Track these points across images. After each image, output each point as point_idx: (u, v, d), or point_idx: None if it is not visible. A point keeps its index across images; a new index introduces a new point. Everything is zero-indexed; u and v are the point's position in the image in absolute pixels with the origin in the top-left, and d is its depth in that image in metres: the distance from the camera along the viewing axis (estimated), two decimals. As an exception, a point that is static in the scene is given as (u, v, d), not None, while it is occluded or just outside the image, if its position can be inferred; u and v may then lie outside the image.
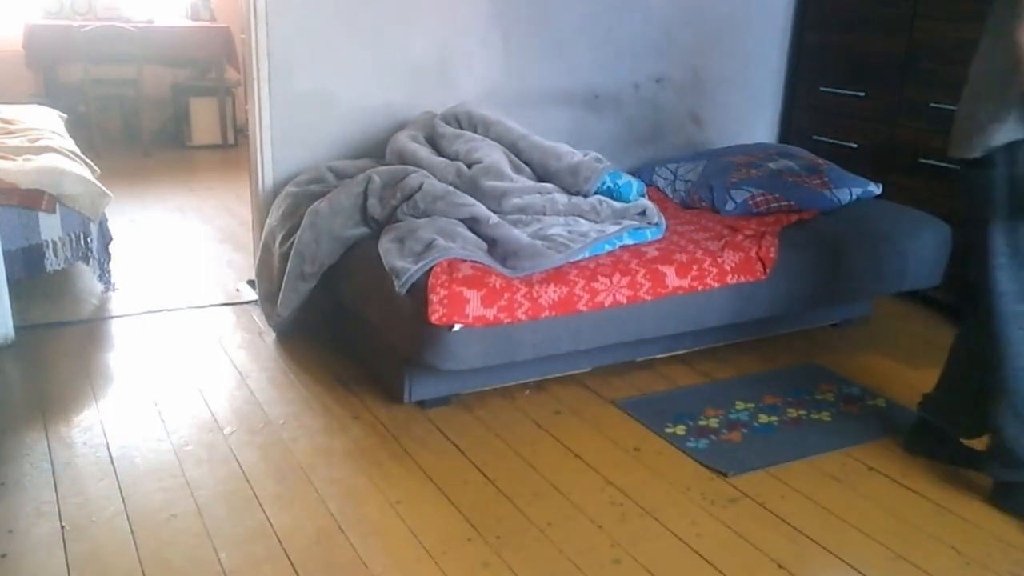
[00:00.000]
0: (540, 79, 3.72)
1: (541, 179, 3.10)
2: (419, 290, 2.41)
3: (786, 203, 3.23)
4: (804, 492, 2.32)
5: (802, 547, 2.10)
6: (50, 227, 3.16)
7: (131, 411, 2.62)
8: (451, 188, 2.86)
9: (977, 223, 2.19)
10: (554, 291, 2.52)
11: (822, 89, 4.03)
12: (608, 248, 2.73)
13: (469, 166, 3.01)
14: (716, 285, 2.79)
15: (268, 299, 3.16)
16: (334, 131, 3.38)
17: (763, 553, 2.07)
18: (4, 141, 3.65)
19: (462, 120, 3.28)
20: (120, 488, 2.22)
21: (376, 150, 3.35)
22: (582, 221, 2.87)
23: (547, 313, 2.52)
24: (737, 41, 4.09)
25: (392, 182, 2.87)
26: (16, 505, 2.14)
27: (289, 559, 1.98)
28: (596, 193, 3.01)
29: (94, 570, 1.92)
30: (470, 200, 2.80)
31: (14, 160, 3.33)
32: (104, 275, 3.47)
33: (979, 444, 2.42)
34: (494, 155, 3.06)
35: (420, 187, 2.80)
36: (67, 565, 1.93)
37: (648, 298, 2.68)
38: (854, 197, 3.38)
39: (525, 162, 3.15)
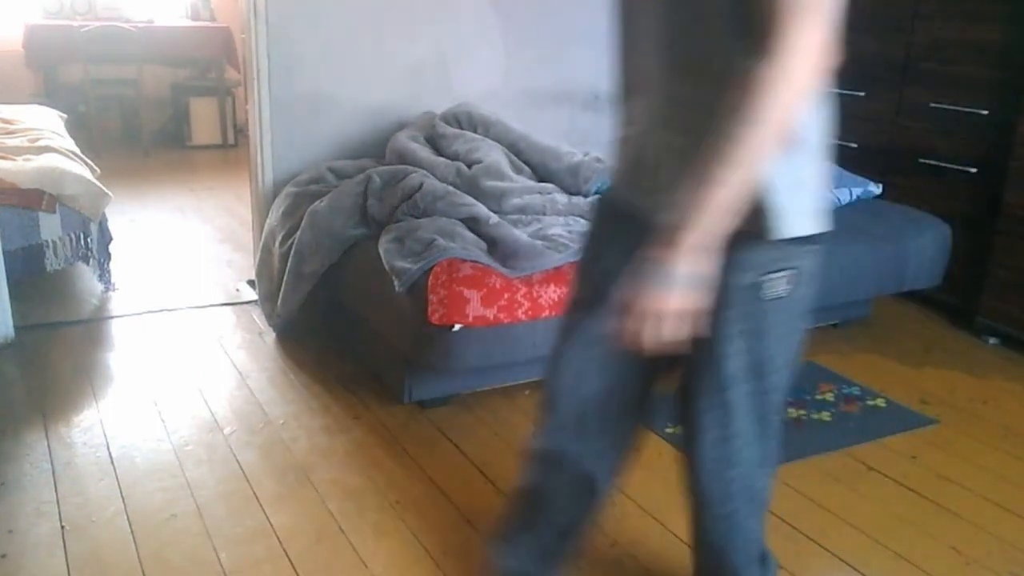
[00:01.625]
0: (540, 79, 3.72)
1: (541, 179, 3.10)
2: (419, 290, 2.41)
3: (786, 203, 3.23)
4: (804, 492, 2.32)
5: (802, 547, 2.10)
6: (50, 227, 3.16)
7: (131, 411, 2.62)
8: (451, 188, 2.86)
9: None
10: (554, 291, 2.52)
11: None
12: (608, 248, 2.73)
13: (469, 166, 3.01)
14: (716, 285, 2.79)
15: (268, 299, 3.17)
16: (334, 131, 3.38)
17: (763, 553, 2.06)
18: (4, 141, 3.65)
19: (462, 120, 3.28)
20: (120, 488, 2.22)
21: (376, 150, 3.35)
22: (582, 221, 2.87)
23: (547, 313, 2.52)
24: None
25: (392, 182, 2.87)
26: (16, 505, 2.14)
27: (289, 559, 1.98)
28: (596, 193, 3.01)
29: (94, 570, 1.92)
30: (470, 200, 2.80)
31: (14, 160, 3.33)
32: (104, 275, 3.47)
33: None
34: (494, 155, 3.06)
35: (420, 187, 2.80)
36: (67, 565, 1.93)
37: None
38: (854, 197, 3.38)
39: (525, 162, 3.15)
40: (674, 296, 1.19)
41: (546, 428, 1.58)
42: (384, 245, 2.62)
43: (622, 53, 1.41)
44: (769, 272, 1.29)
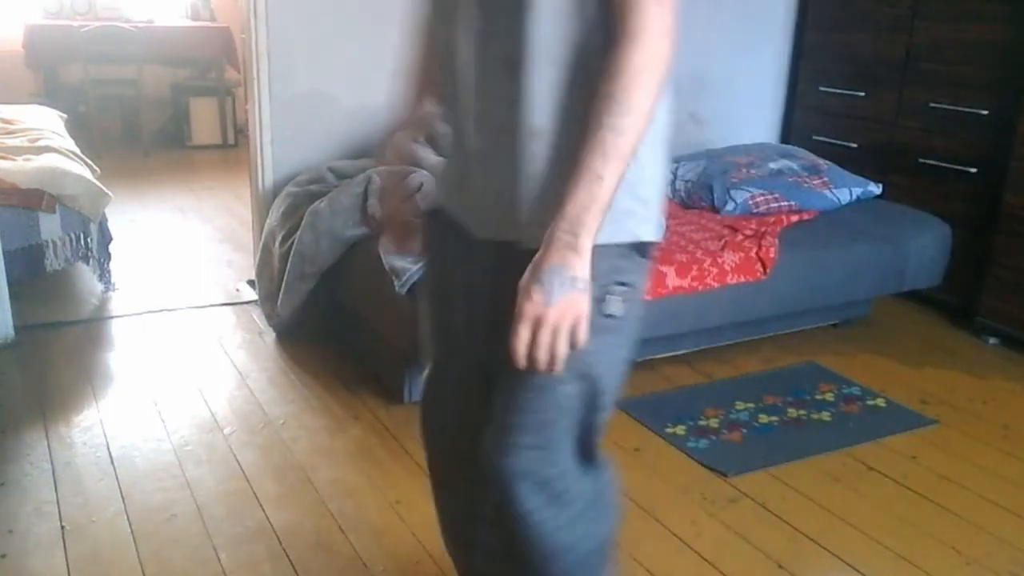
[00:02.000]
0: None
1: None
2: (419, 290, 2.41)
3: (786, 203, 3.23)
4: (804, 492, 2.32)
5: (802, 547, 2.10)
6: (50, 227, 3.16)
7: (131, 411, 2.62)
8: (451, 188, 2.86)
9: None
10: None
11: (822, 89, 4.03)
12: (608, 248, 2.73)
13: (469, 166, 3.01)
14: (716, 285, 2.79)
15: (268, 299, 3.16)
16: (334, 131, 3.38)
17: (763, 553, 2.07)
18: (4, 141, 3.65)
19: (462, 120, 3.28)
20: (120, 488, 2.22)
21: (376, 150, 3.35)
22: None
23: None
24: (737, 41, 4.09)
25: (392, 182, 2.87)
26: (16, 505, 2.14)
27: (289, 559, 1.98)
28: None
29: (94, 570, 1.92)
30: (470, 200, 2.80)
31: (14, 160, 3.33)
32: (104, 275, 3.47)
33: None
34: (494, 155, 3.06)
35: (420, 187, 2.80)
36: (67, 565, 1.93)
37: (648, 298, 2.67)
38: (854, 197, 3.38)
39: (525, 162, 3.15)
40: (585, 300, 1.10)
41: (434, 485, 1.54)
42: (384, 245, 2.62)
43: (437, 56, 1.29)
44: (611, 284, 1.19)
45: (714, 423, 2.64)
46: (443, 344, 1.43)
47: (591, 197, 1.07)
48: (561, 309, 1.08)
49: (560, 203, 1.08)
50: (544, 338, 1.09)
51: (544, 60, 1.11)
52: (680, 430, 2.59)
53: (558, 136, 1.14)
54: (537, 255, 1.10)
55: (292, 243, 2.92)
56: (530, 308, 1.09)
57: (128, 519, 2.10)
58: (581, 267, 1.08)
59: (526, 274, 1.10)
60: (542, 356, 1.10)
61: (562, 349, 1.10)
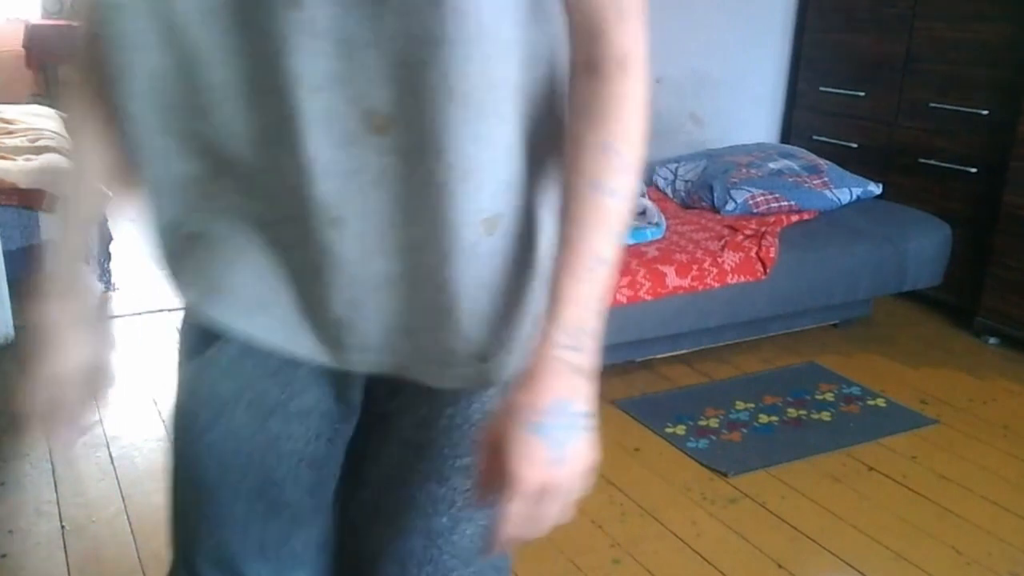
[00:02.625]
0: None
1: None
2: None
3: (786, 203, 3.23)
4: (804, 492, 2.32)
5: (802, 547, 2.10)
6: (50, 227, 3.16)
7: (131, 411, 2.61)
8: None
9: None
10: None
11: (822, 89, 4.03)
12: (608, 248, 2.73)
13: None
14: (716, 285, 2.79)
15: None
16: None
17: (763, 553, 2.07)
18: (4, 141, 3.65)
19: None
20: (120, 488, 2.22)
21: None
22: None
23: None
24: (737, 41, 4.09)
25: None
26: (16, 505, 2.14)
27: (289, 559, 1.98)
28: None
29: (94, 570, 1.92)
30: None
31: (14, 160, 3.33)
32: (104, 275, 3.47)
33: None
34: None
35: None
36: (67, 565, 1.93)
37: (648, 298, 2.68)
38: (854, 197, 3.38)
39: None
40: (592, 442, 0.79)
41: None
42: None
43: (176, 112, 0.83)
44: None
45: (714, 423, 2.64)
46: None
47: (593, 290, 0.76)
48: (573, 464, 0.77)
49: (553, 307, 0.76)
50: (550, 510, 0.77)
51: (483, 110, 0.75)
52: (680, 430, 2.59)
53: (502, 224, 0.80)
54: (520, 390, 0.76)
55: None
56: (532, 474, 0.75)
57: (128, 519, 2.10)
58: (588, 395, 0.77)
59: (503, 422, 0.76)
60: (540, 529, 0.78)
61: (567, 511, 0.80)
